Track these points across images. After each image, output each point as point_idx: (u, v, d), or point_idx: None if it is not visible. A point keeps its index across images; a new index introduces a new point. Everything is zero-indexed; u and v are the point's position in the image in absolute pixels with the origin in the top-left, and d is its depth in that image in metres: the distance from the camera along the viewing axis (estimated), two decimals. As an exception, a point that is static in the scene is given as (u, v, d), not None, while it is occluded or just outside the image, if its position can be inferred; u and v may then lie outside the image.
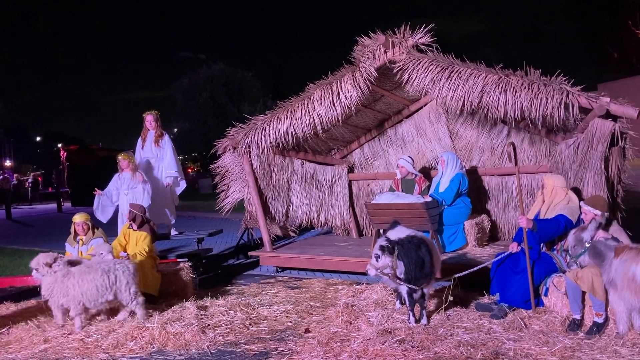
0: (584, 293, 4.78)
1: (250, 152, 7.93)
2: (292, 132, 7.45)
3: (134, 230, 6.57)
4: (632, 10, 33.68)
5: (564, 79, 5.81)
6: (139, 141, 8.63)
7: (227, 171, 8.26)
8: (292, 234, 8.84)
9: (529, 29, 38.69)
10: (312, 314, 5.73)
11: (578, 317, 4.84)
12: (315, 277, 7.44)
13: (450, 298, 5.43)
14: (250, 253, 8.32)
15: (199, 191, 27.42)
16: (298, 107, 7.33)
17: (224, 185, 8.32)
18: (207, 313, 5.70)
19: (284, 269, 8.03)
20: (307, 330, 5.17)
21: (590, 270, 4.63)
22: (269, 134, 7.60)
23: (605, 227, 4.95)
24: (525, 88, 5.82)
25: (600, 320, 4.68)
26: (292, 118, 7.37)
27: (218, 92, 36.09)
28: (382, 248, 4.92)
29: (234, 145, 7.95)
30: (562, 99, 5.66)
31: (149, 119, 8.53)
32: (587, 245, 4.67)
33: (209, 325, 5.33)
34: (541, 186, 5.94)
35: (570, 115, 5.72)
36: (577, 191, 5.93)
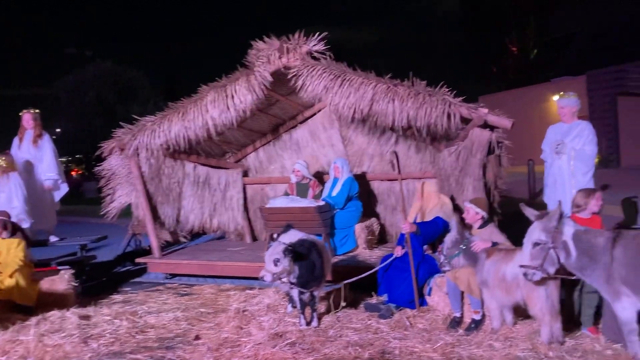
0: (463, 292, 5.09)
1: (138, 155, 7.62)
2: (184, 135, 7.26)
3: (3, 238, 6.05)
4: (509, 29, 36.43)
5: (447, 90, 6.16)
6: (16, 140, 8.07)
7: (113, 174, 7.89)
8: (183, 239, 8.59)
9: (418, 41, 40.67)
10: (202, 321, 5.61)
11: (458, 315, 5.15)
12: (207, 283, 7.29)
13: (343, 304, 5.57)
14: (137, 260, 7.99)
15: (84, 195, 25.93)
16: (190, 109, 7.16)
17: (109, 189, 7.93)
18: (90, 323, 5.42)
19: (173, 275, 7.79)
20: (196, 337, 5.05)
21: (467, 270, 4.95)
22: (159, 136, 7.34)
23: (483, 226, 5.31)
24: (411, 98, 6.10)
25: (477, 317, 5.00)
26: (184, 120, 7.18)
27: (106, 91, 34.32)
28: (285, 251, 4.81)
29: (121, 147, 7.60)
30: (445, 109, 5.99)
31: (27, 117, 8.02)
32: (463, 247, 4.98)
33: (91, 335, 5.07)
34: (417, 191, 6.25)
35: (452, 125, 6.07)
36: (451, 197, 6.32)
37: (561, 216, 4.19)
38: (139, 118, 7.72)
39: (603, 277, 3.98)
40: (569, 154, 6.04)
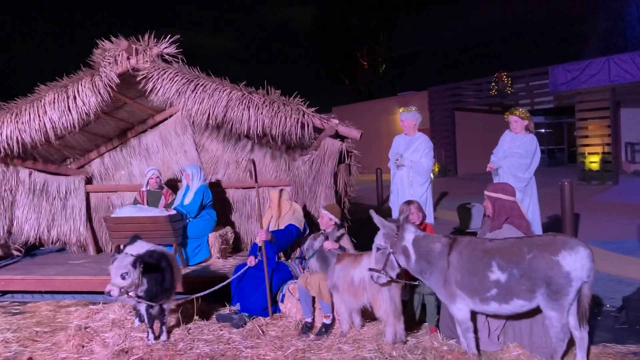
0: (314, 297, 5.20)
1: (-38, 159, 6.79)
2: (17, 138, 6.60)
3: None
4: (360, 44, 38.40)
5: (301, 100, 6.30)
6: None
7: None
8: (15, 252, 7.80)
9: (276, 51, 41.27)
10: (37, 341, 5.11)
11: (310, 320, 5.25)
12: (44, 300, 6.68)
13: (196, 318, 5.41)
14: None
15: None
16: (26, 109, 6.54)
17: None
18: None
19: (4, 292, 7.02)
20: (29, 360, 4.60)
21: (318, 276, 5.08)
22: (-12, 139, 6.61)
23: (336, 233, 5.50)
24: (266, 106, 6.15)
25: (328, 321, 5.14)
26: (17, 122, 6.53)
27: None
28: (134, 263, 4.52)
29: (-58, 150, 6.72)
30: (299, 118, 6.12)
31: None
32: (316, 249, 5.13)
33: None
34: (270, 200, 6.31)
35: (306, 134, 6.22)
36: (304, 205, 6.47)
37: (403, 223, 4.45)
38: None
39: (440, 281, 4.28)
40: (408, 165, 6.53)
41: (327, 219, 5.53)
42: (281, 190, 6.28)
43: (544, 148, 24.69)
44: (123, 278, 4.49)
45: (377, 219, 4.41)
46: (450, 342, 4.59)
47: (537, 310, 4.18)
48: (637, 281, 6.10)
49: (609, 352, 4.43)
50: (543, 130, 25.36)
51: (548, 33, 22.85)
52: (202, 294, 5.66)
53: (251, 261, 5.71)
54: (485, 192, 4.71)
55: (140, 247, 4.98)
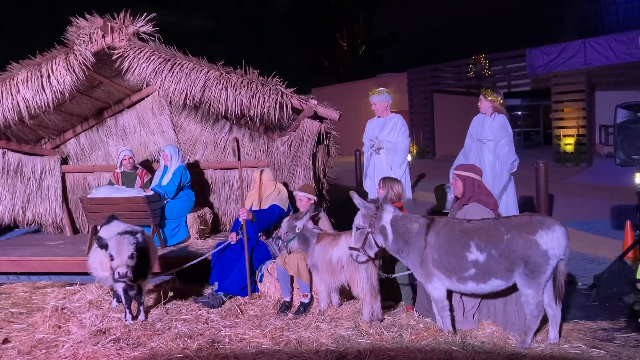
0: (292, 277, 5.24)
1: None
2: (-10, 117, 6.47)
3: None
4: (339, 25, 38.17)
5: (279, 80, 6.26)
6: None
7: None
8: (-10, 234, 7.71)
9: (254, 31, 40.78)
10: (12, 322, 5.08)
11: (288, 299, 5.29)
12: (20, 281, 6.61)
13: (170, 294, 5.41)
14: None
15: None
16: (-2, 88, 6.40)
17: None
18: None
19: (-22, 274, 6.94)
20: (5, 341, 4.57)
21: (296, 255, 5.11)
22: (-41, 118, 6.47)
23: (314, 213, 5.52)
24: (244, 86, 6.09)
25: (306, 300, 5.19)
26: (-11, 101, 6.40)
27: None
28: (136, 243, 4.61)
29: None
30: (277, 99, 6.08)
31: None
32: (298, 231, 5.15)
33: None
34: (252, 180, 6.30)
35: (285, 115, 6.19)
36: (286, 184, 6.47)
37: (382, 203, 4.49)
38: None
39: (417, 260, 4.34)
40: (386, 147, 6.53)
41: (305, 200, 5.54)
42: (262, 171, 6.26)
43: (520, 130, 24.97)
44: (132, 258, 4.54)
45: (357, 199, 4.43)
46: (426, 320, 4.67)
47: (511, 289, 4.28)
48: (608, 260, 6.26)
49: (580, 328, 4.55)
50: (520, 113, 25.61)
51: (526, 16, 22.98)
52: (179, 268, 5.66)
53: (232, 238, 5.69)
54: (455, 172, 4.78)
55: (115, 228, 4.94)
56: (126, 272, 4.47)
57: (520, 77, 19.02)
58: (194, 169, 7.80)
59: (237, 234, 5.73)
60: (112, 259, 4.52)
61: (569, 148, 17.10)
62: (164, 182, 7.08)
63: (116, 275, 4.49)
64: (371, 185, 6.65)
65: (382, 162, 6.57)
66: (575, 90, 17.18)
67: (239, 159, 5.69)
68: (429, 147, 22.28)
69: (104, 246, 4.58)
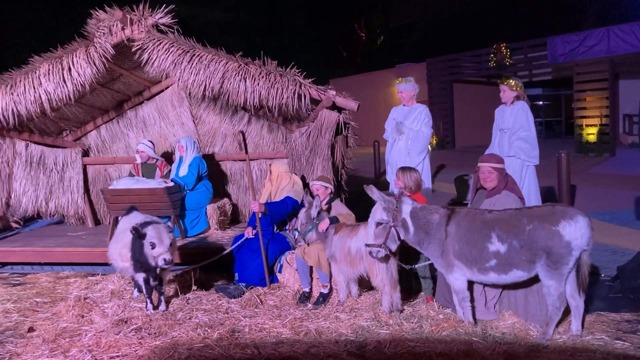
0: (312, 267, 5.25)
1: (-42, 132, 6.75)
2: (13, 110, 6.53)
3: None
4: (358, 15, 37.92)
5: (298, 71, 6.24)
6: None
7: None
8: (15, 225, 7.83)
9: (272, 22, 40.76)
10: (37, 312, 5.17)
11: (307, 289, 5.30)
12: (44, 272, 6.72)
13: (194, 287, 5.46)
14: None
15: None
16: (20, 81, 6.47)
17: None
18: None
19: (4, 264, 7.06)
20: (30, 330, 4.65)
21: (316, 246, 5.11)
22: (-18, 112, 6.56)
23: (330, 202, 5.53)
24: (263, 77, 6.08)
25: (325, 291, 5.20)
26: (12, 93, 6.47)
27: None
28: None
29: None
30: (295, 89, 6.06)
31: None
32: (316, 222, 5.14)
33: None
34: (268, 172, 6.31)
35: (303, 105, 6.17)
36: (303, 176, 6.47)
37: (400, 195, 4.46)
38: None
39: (438, 251, 4.32)
40: (407, 134, 6.49)
41: (322, 189, 5.54)
42: (272, 164, 6.30)
43: (541, 120, 24.64)
44: (171, 245, 4.72)
45: (376, 193, 4.39)
46: (446, 311, 4.65)
47: (533, 280, 4.23)
48: (631, 251, 6.15)
49: (603, 320, 4.49)
50: (541, 103, 25.27)
51: (547, 3, 22.58)
52: (199, 264, 5.71)
53: (249, 232, 5.74)
54: (489, 165, 4.64)
55: (134, 219, 5.00)
56: (172, 258, 4.68)
57: (542, 66, 18.72)
58: (213, 160, 7.83)
59: (254, 228, 5.75)
60: (153, 247, 4.64)
61: (592, 138, 16.83)
62: (181, 173, 7.10)
63: (161, 262, 4.65)
64: (391, 173, 6.61)
65: (401, 149, 6.55)
66: (598, 79, 16.87)
67: (245, 152, 5.73)
68: (449, 137, 22.10)
69: (141, 236, 4.65)
